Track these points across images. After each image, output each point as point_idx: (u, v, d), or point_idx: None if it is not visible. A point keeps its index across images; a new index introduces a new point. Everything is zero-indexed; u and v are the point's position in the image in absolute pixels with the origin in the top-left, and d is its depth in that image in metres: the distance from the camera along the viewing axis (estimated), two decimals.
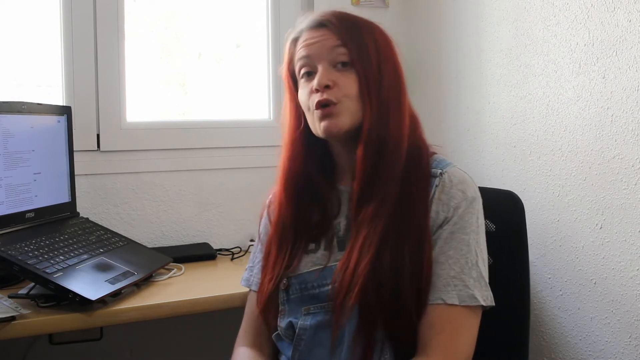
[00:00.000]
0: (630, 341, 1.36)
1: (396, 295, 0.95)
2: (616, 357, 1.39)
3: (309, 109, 1.04)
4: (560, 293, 1.53)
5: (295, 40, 1.08)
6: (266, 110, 2.03)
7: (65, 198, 1.60)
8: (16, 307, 1.21)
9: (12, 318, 1.19)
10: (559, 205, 1.52)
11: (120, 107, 1.79)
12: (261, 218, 1.21)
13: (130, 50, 1.82)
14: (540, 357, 1.59)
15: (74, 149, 1.62)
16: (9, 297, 1.28)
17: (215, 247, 1.85)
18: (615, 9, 1.35)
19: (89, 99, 1.75)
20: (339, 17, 1.05)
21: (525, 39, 1.61)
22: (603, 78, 1.39)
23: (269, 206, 1.20)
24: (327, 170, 1.11)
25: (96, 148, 1.76)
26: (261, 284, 1.11)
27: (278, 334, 1.08)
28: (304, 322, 1.02)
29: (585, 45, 1.43)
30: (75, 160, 1.62)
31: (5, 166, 1.38)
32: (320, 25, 1.04)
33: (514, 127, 1.66)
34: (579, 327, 1.48)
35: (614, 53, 1.36)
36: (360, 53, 1.02)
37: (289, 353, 1.04)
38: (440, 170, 1.02)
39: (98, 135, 1.76)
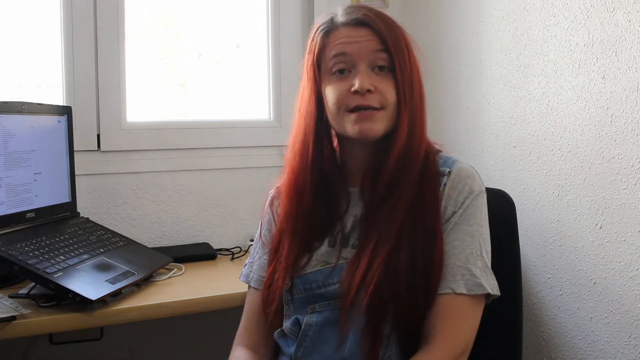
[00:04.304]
0: (629, 341, 1.36)
1: (410, 292, 0.97)
2: (616, 356, 1.39)
3: (339, 108, 1.03)
4: (560, 293, 1.53)
5: (327, 33, 1.05)
6: (266, 110, 2.03)
7: (66, 198, 1.60)
8: (16, 307, 1.21)
9: (13, 318, 1.19)
10: (559, 205, 1.52)
11: (120, 107, 1.79)
12: (263, 213, 1.19)
13: (130, 50, 1.82)
14: (539, 357, 1.59)
15: (74, 149, 1.62)
16: (9, 297, 1.29)
17: (215, 247, 1.85)
18: (615, 9, 1.35)
19: (89, 99, 1.75)
20: (381, 18, 1.04)
21: (525, 39, 1.61)
22: (603, 78, 1.39)
23: (272, 202, 1.18)
24: (337, 168, 1.10)
25: (96, 148, 1.76)
26: (271, 281, 1.09)
27: (281, 330, 1.07)
28: (310, 319, 1.03)
29: (584, 45, 1.44)
30: (75, 160, 1.62)
31: (5, 166, 1.38)
32: (362, 24, 1.03)
33: (514, 127, 1.66)
34: (579, 326, 1.48)
35: (614, 53, 1.36)
36: (399, 60, 1.02)
37: (291, 350, 1.04)
38: (448, 169, 1.05)
39: (98, 136, 1.76)
